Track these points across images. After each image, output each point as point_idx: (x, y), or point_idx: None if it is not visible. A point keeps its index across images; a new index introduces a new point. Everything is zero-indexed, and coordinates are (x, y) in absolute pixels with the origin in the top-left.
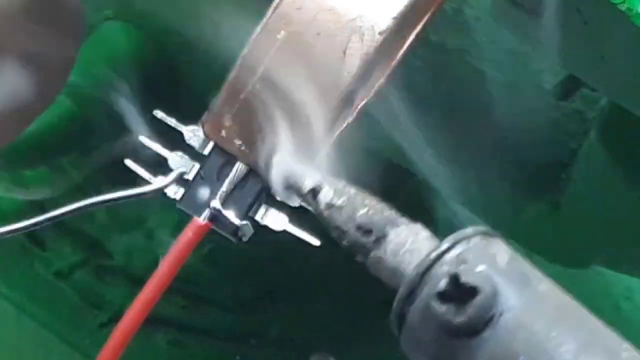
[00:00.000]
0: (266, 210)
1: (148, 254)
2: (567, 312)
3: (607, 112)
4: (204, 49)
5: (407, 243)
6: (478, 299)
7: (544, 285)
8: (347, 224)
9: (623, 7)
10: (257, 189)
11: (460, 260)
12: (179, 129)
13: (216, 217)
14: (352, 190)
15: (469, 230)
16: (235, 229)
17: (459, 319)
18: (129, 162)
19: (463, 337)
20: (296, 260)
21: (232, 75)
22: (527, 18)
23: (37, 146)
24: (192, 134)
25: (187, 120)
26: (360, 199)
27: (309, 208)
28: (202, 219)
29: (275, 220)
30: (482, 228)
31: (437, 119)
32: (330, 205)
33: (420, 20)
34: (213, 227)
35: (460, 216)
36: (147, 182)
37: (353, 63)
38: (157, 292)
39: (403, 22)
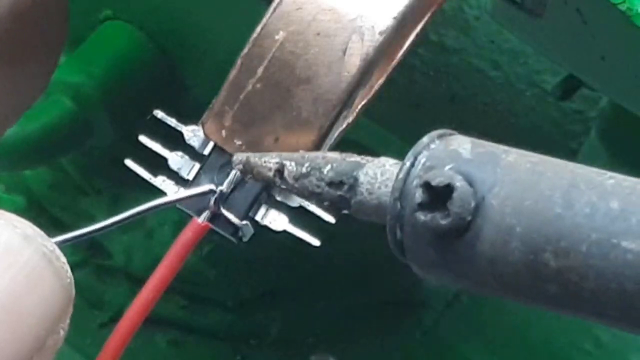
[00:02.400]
0: (266, 211)
1: (148, 254)
2: (542, 168)
3: (608, 112)
4: (204, 49)
5: (378, 177)
6: (455, 195)
7: (513, 155)
8: (320, 187)
9: (623, 7)
10: (257, 189)
11: (428, 168)
12: (179, 129)
13: (216, 217)
14: (311, 154)
15: (424, 139)
16: (235, 229)
17: (445, 220)
18: (129, 162)
19: (458, 236)
20: (296, 260)
21: (232, 75)
22: (527, 18)
23: (37, 146)
24: (192, 134)
25: (187, 120)
26: (321, 158)
27: (283, 190)
28: (201, 220)
29: (275, 220)
30: (436, 132)
31: (437, 119)
32: (297, 177)
33: (421, 20)
34: (213, 227)
35: None
36: (148, 183)
37: (353, 63)
38: (157, 293)
39: (403, 22)
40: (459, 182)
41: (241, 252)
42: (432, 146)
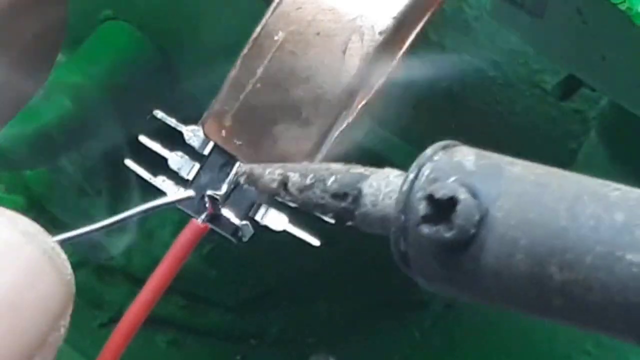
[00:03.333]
0: (266, 211)
1: (148, 254)
2: (547, 179)
3: (608, 112)
4: (204, 49)
5: (382, 189)
6: (459, 208)
7: (518, 167)
8: (324, 198)
9: (623, 7)
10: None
11: (431, 180)
12: (179, 129)
13: (216, 217)
14: (315, 165)
15: (428, 150)
16: (235, 230)
17: (449, 233)
18: (129, 162)
19: (462, 249)
20: (296, 261)
21: (232, 75)
22: (528, 18)
23: (37, 146)
24: (192, 134)
25: (187, 120)
26: (325, 169)
27: (288, 203)
28: (200, 220)
29: (275, 220)
30: (440, 143)
31: (437, 119)
32: (301, 189)
33: (421, 20)
34: (212, 227)
35: None
36: (148, 183)
37: (353, 63)
38: (157, 293)
39: (403, 22)
40: (462, 195)
41: (241, 252)
42: (436, 158)
